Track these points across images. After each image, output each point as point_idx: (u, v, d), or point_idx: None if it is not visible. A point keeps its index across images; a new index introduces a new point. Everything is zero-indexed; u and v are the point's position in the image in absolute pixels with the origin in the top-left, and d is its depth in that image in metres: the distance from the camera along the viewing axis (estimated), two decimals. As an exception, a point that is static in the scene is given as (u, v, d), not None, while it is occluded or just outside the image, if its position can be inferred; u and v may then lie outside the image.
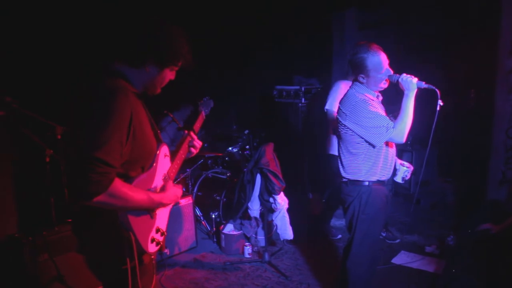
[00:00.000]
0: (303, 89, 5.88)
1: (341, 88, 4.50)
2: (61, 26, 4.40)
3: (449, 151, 5.94)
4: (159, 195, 2.03)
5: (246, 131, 5.65)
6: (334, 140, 4.30)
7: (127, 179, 1.90)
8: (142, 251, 1.97)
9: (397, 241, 4.86)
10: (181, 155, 2.41)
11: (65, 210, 3.87)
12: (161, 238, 2.12)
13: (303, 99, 5.88)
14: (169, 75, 2.10)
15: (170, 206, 2.23)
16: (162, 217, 2.16)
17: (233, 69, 6.33)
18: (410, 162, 3.73)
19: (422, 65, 5.14)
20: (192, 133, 2.51)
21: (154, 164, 2.06)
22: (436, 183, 6.22)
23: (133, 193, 1.86)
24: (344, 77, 4.70)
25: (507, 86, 4.84)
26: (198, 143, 2.51)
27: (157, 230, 2.10)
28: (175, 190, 2.15)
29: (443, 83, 3.00)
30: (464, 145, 5.83)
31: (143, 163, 2.01)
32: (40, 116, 3.86)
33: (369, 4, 6.08)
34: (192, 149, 2.50)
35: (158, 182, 2.10)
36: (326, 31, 6.36)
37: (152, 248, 2.04)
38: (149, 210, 2.02)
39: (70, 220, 3.63)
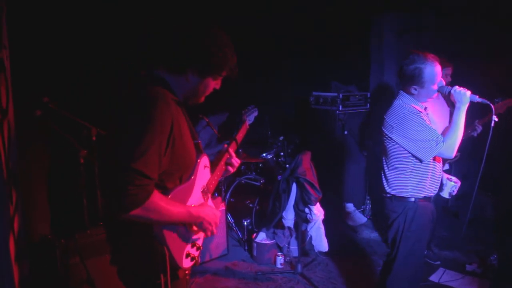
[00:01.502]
0: (340, 95, 5.71)
1: None
2: (105, 30, 4.39)
3: (491, 163, 5.69)
4: (197, 209, 1.93)
5: (281, 138, 5.52)
6: None
7: (164, 190, 1.81)
8: (177, 266, 1.88)
9: (438, 262, 4.61)
10: (222, 166, 2.31)
11: (98, 212, 3.85)
12: (196, 253, 2.03)
13: (340, 106, 5.72)
14: (213, 84, 1.99)
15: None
16: (199, 232, 2.05)
17: (269, 74, 6.22)
18: (450, 174, 3.56)
19: (463, 71, 4.95)
20: (230, 150, 2.36)
21: (193, 177, 1.96)
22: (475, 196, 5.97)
23: (171, 206, 1.78)
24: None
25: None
26: (236, 161, 2.34)
27: (193, 245, 2.00)
28: (215, 210, 2.05)
29: (485, 91, 2.83)
30: (506, 157, 5.57)
31: (181, 174, 1.91)
32: (76, 117, 3.85)
33: (408, 9, 5.88)
34: (230, 168, 2.34)
35: (196, 194, 2.00)
36: (365, 36, 6.20)
37: (186, 263, 1.95)
38: (185, 225, 1.93)
39: (102, 224, 3.66)
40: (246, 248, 4.85)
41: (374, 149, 5.33)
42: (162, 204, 1.73)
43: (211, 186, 2.15)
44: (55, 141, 4.03)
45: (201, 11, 4.61)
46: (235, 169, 2.37)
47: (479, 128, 4.18)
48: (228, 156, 2.33)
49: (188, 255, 1.95)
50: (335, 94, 5.77)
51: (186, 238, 1.95)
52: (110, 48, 4.45)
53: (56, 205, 4.13)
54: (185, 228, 1.93)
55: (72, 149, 3.86)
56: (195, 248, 2.01)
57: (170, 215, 1.77)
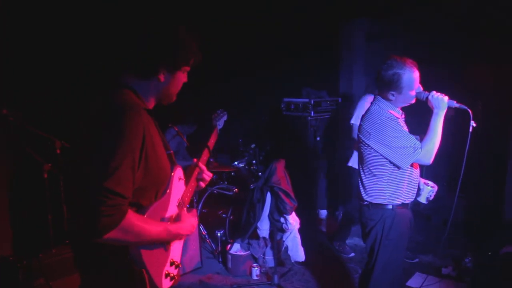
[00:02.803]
0: (312, 101, 5.68)
1: (369, 102, 4.36)
2: (64, 35, 4.23)
3: (460, 165, 5.75)
4: (176, 226, 1.81)
5: (253, 145, 5.44)
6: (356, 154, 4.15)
7: (139, 208, 1.68)
8: (155, 288, 1.74)
9: (416, 260, 4.63)
10: (193, 181, 2.18)
11: (64, 229, 3.67)
12: (175, 271, 1.90)
13: (312, 112, 5.68)
14: (183, 78, 1.89)
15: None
16: (176, 248, 1.93)
17: (239, 80, 6.15)
18: (421, 177, 3.55)
19: (431, 77, 4.99)
20: (200, 164, 2.23)
21: (168, 190, 1.83)
22: (446, 199, 6.02)
23: (149, 226, 1.65)
24: (365, 90, 4.55)
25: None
26: (207, 176, 2.21)
27: (172, 263, 1.87)
28: (192, 220, 1.92)
29: (452, 95, 2.82)
30: (476, 160, 5.65)
31: (156, 189, 1.77)
32: (38, 130, 3.69)
33: (377, 15, 5.93)
34: (201, 183, 2.21)
35: (172, 209, 1.88)
36: (335, 42, 6.20)
37: (166, 283, 1.81)
38: (164, 243, 1.79)
39: (68, 242, 3.48)
40: (220, 260, 4.72)
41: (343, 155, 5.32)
42: (139, 223, 1.60)
43: (186, 198, 2.03)
44: (16, 155, 3.85)
45: (167, 14, 4.51)
46: (206, 183, 2.25)
47: None
48: (198, 170, 2.20)
49: (167, 275, 1.82)
50: (307, 100, 5.73)
51: (165, 256, 1.82)
52: (74, 56, 4.29)
53: (18, 223, 3.92)
54: (163, 245, 1.80)
55: (35, 163, 3.69)
56: (173, 266, 1.88)
57: (148, 236, 1.64)
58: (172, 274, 1.84)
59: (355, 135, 4.36)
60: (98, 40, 3.99)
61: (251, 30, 6.02)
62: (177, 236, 1.83)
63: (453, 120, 4.21)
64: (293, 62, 6.15)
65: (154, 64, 1.75)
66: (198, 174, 2.20)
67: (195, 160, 2.27)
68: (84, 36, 4.31)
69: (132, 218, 1.56)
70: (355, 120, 4.44)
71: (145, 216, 1.66)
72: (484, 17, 5.00)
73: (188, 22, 1.88)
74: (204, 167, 2.23)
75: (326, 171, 5.92)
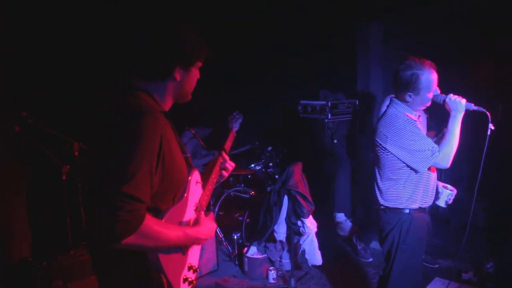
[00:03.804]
0: (329, 104, 5.63)
1: None
2: (86, 41, 4.27)
3: (479, 168, 5.66)
4: (195, 230, 1.81)
5: (269, 148, 5.42)
6: None
7: (157, 213, 1.67)
8: (174, 293, 1.73)
9: (436, 265, 4.56)
10: (213, 179, 2.19)
11: (82, 231, 3.69)
12: (193, 276, 1.89)
13: (329, 115, 5.64)
14: (196, 74, 1.89)
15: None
16: (194, 252, 1.93)
17: (256, 82, 6.14)
18: (440, 180, 3.50)
19: (448, 77, 4.92)
20: (224, 154, 2.28)
21: (186, 194, 1.83)
22: (466, 202, 5.93)
23: (167, 230, 1.64)
24: (386, 92, 4.50)
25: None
26: (230, 165, 2.29)
27: (190, 268, 1.87)
28: (210, 225, 1.92)
29: (470, 96, 2.77)
30: (496, 162, 5.55)
31: (174, 193, 1.77)
32: (56, 131, 3.71)
33: (393, 16, 5.87)
34: (224, 172, 2.27)
35: (190, 213, 1.87)
36: (351, 44, 6.16)
37: (184, 288, 1.80)
38: (182, 247, 1.79)
39: (85, 244, 3.50)
40: (236, 263, 4.71)
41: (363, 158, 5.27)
42: (158, 228, 1.59)
43: (203, 202, 2.03)
44: (35, 157, 3.88)
45: (172, 15, 4.54)
46: (229, 173, 2.31)
47: None
48: (222, 160, 2.26)
49: (185, 279, 1.81)
50: (324, 102, 5.69)
51: (183, 261, 1.82)
52: (92, 60, 4.32)
53: (37, 225, 3.95)
54: (181, 250, 1.80)
55: (53, 165, 3.71)
56: (191, 270, 1.88)
57: (167, 240, 1.64)
58: (190, 279, 1.84)
59: None
60: (114, 44, 4.02)
61: (268, 32, 6.01)
62: (196, 240, 1.82)
63: (473, 122, 4.16)
64: (310, 64, 6.13)
65: (169, 64, 1.75)
66: (221, 164, 2.26)
67: (216, 152, 2.30)
68: (100, 39, 4.35)
69: (150, 223, 1.56)
70: None
71: (163, 220, 1.66)
72: (506, 16, 4.91)
73: (200, 24, 1.88)
74: (227, 157, 2.30)
75: (344, 174, 5.87)
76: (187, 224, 1.83)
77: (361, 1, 5.58)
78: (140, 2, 4.44)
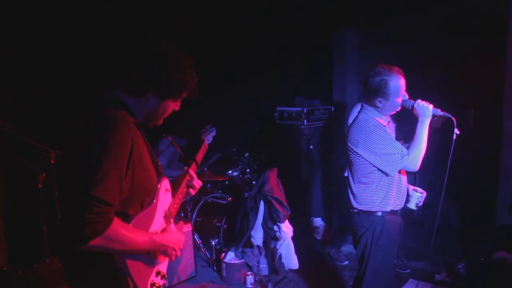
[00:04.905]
0: (305, 110, 5.71)
1: None
2: (63, 50, 4.27)
3: (452, 172, 5.77)
4: (161, 236, 1.85)
5: (246, 154, 5.47)
6: None
7: (125, 218, 1.71)
8: (141, 298, 1.77)
9: (407, 271, 4.66)
10: (183, 189, 2.22)
11: (57, 241, 3.69)
12: (161, 282, 1.93)
13: (305, 121, 5.72)
14: (172, 106, 1.92)
15: None
16: (163, 259, 1.96)
17: (233, 90, 6.19)
18: (414, 185, 3.59)
19: (423, 84, 5.03)
20: (191, 171, 2.28)
21: (155, 201, 1.87)
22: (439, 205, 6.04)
23: (133, 235, 1.68)
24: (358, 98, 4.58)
25: (516, 107, 4.71)
26: (197, 183, 2.28)
27: (158, 273, 1.91)
28: (179, 235, 1.96)
29: (444, 103, 2.87)
30: (468, 166, 5.68)
31: (142, 199, 1.81)
32: (32, 139, 3.71)
33: (369, 24, 5.98)
34: (191, 190, 2.27)
35: (158, 220, 1.91)
36: (327, 51, 6.25)
37: (151, 293, 1.84)
38: (149, 253, 1.83)
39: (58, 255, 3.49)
40: (215, 268, 4.74)
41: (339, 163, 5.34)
42: (124, 232, 1.63)
43: (173, 210, 2.06)
44: (10, 165, 3.86)
45: (162, 32, 4.56)
46: (196, 191, 2.30)
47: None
48: (188, 178, 2.25)
49: (153, 284, 1.85)
50: (299, 108, 5.77)
51: (150, 266, 1.86)
52: (67, 69, 4.32)
53: (13, 233, 3.94)
54: (148, 256, 1.83)
55: (29, 173, 3.71)
56: (159, 276, 1.92)
57: (133, 244, 1.67)
58: (157, 284, 1.88)
59: None
60: (94, 52, 4.03)
61: (244, 40, 6.06)
62: (162, 247, 1.85)
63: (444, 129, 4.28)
64: (286, 71, 6.19)
65: (142, 87, 1.79)
66: (188, 181, 2.25)
67: (185, 167, 2.32)
68: (79, 47, 4.35)
69: (117, 226, 1.59)
70: None
71: (131, 225, 1.70)
72: (476, 22, 5.05)
73: (185, 36, 1.91)
74: (194, 175, 2.28)
75: (320, 179, 5.94)
76: (155, 231, 1.87)
77: (337, 8, 5.67)
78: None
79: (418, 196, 3.21)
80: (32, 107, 4.21)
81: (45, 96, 4.24)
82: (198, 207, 5.02)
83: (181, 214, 4.95)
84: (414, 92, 2.97)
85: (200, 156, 2.58)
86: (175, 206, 2.08)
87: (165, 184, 1.97)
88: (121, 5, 4.51)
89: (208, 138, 2.81)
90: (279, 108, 6.05)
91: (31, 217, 3.88)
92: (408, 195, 3.18)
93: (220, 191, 5.28)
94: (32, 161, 3.75)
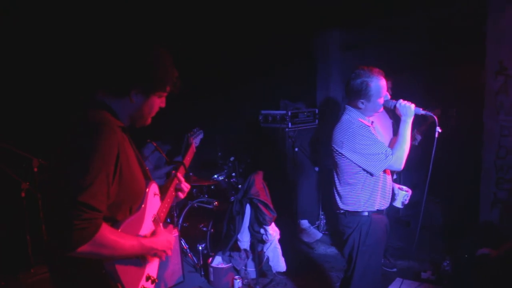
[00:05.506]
0: (289, 113, 5.74)
1: None
2: (43, 54, 4.21)
3: (436, 171, 5.86)
4: (150, 240, 1.83)
5: (232, 158, 5.47)
6: None
7: (114, 223, 1.70)
8: (132, 303, 1.75)
9: (394, 269, 4.71)
10: (172, 192, 2.21)
11: (43, 249, 3.63)
12: (151, 286, 1.91)
13: (289, 124, 5.74)
14: (158, 102, 1.89)
15: None
16: (152, 263, 1.95)
17: (217, 94, 6.19)
18: (399, 183, 3.63)
19: (406, 85, 5.09)
20: (179, 175, 2.27)
21: (143, 206, 1.86)
22: (425, 205, 6.11)
23: (122, 240, 1.66)
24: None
25: (495, 106, 4.80)
26: (186, 186, 2.26)
27: (148, 278, 1.89)
28: (168, 236, 1.94)
29: (427, 103, 2.92)
30: (451, 165, 5.76)
31: (131, 204, 1.80)
32: (15, 147, 3.66)
33: (351, 25, 6.03)
34: (180, 194, 2.24)
35: (148, 224, 1.90)
36: (310, 54, 6.29)
37: (142, 298, 1.83)
38: (139, 257, 1.82)
39: (45, 263, 3.45)
40: (202, 273, 4.71)
41: (325, 165, 5.39)
42: (113, 237, 1.61)
43: (162, 214, 2.05)
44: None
45: (142, 31, 4.53)
46: (185, 195, 2.28)
47: (419, 137, 4.39)
48: (177, 181, 2.24)
49: (143, 289, 1.84)
50: (284, 112, 5.79)
51: (141, 271, 1.84)
52: (51, 72, 4.27)
53: (-3, 244, 3.88)
54: (138, 260, 1.82)
55: (11, 181, 3.66)
56: (150, 281, 1.90)
57: (122, 249, 1.66)
58: (148, 289, 1.87)
59: None
60: (76, 55, 3.99)
61: (228, 44, 6.06)
62: (151, 250, 1.84)
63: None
64: (270, 75, 6.21)
65: (124, 86, 1.77)
66: (177, 185, 2.23)
67: (173, 171, 2.31)
68: (61, 50, 4.30)
69: (106, 232, 1.58)
70: None
71: (119, 230, 1.69)
72: (458, 25, 5.14)
73: (169, 42, 1.90)
74: (182, 178, 2.26)
75: (305, 182, 5.97)
76: (144, 235, 1.86)
77: (321, 10, 5.71)
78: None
79: (403, 194, 3.25)
80: (13, 114, 4.15)
81: (26, 103, 4.18)
82: (184, 212, 5.00)
83: (167, 220, 4.92)
84: (398, 92, 3.01)
85: (188, 159, 2.58)
86: (164, 210, 2.07)
87: (153, 188, 1.96)
88: (99, 7, 4.46)
89: (196, 141, 2.80)
90: (263, 112, 6.07)
91: (14, 226, 3.83)
92: (393, 194, 3.21)
93: (206, 196, 5.26)
94: (15, 170, 3.70)
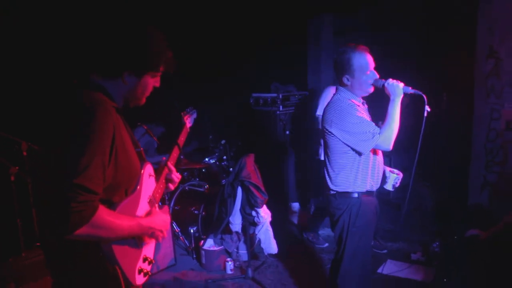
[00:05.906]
0: (280, 96, 5.73)
1: (332, 93, 4.42)
2: (35, 35, 4.14)
3: (426, 154, 5.92)
4: (148, 220, 1.83)
5: (223, 141, 5.45)
6: None
7: (110, 205, 1.69)
8: (129, 284, 1.75)
9: (384, 251, 4.76)
10: (162, 180, 2.18)
11: (34, 233, 3.61)
12: (149, 268, 1.91)
13: (281, 107, 5.73)
14: (152, 82, 1.87)
15: None
16: (149, 244, 1.94)
17: (208, 77, 6.14)
18: (390, 166, 3.65)
19: (399, 70, 5.09)
20: (169, 164, 2.22)
21: (139, 187, 1.85)
22: (414, 187, 6.18)
23: (120, 220, 1.66)
24: (331, 83, 4.62)
25: (485, 90, 4.84)
26: (176, 176, 2.22)
27: (145, 259, 1.89)
28: (164, 216, 1.94)
29: (419, 87, 2.91)
30: (441, 148, 5.81)
31: (126, 186, 1.79)
32: (3, 132, 3.61)
33: (345, 10, 6.01)
34: (170, 185, 2.21)
35: (143, 205, 1.89)
36: (303, 37, 6.27)
37: (139, 279, 1.83)
38: (135, 238, 1.81)
39: (38, 245, 3.43)
40: (194, 256, 4.73)
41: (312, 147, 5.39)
42: (110, 219, 1.60)
43: (157, 195, 2.04)
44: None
45: (135, 13, 4.47)
46: (175, 186, 2.25)
47: None
48: (167, 171, 2.20)
49: (140, 270, 1.83)
50: (275, 94, 5.78)
51: (137, 252, 1.84)
52: (42, 53, 4.20)
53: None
54: (134, 241, 1.81)
55: (0, 166, 3.61)
56: (147, 262, 1.90)
57: (120, 230, 1.65)
58: (145, 270, 1.86)
59: (320, 126, 4.44)
60: (69, 38, 3.92)
61: (219, 27, 6.01)
62: (149, 230, 1.83)
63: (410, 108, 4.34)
64: (262, 57, 6.18)
65: (117, 66, 1.75)
66: (167, 174, 2.21)
67: (164, 158, 2.28)
68: (53, 32, 4.22)
69: (103, 214, 1.57)
70: (320, 111, 4.49)
71: (116, 211, 1.68)
72: (447, 9, 5.15)
73: (160, 24, 1.87)
74: (173, 168, 2.23)
75: (296, 164, 5.98)
76: (141, 216, 1.85)
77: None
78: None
79: (394, 177, 3.25)
80: (1, 97, 4.09)
81: (16, 85, 4.12)
82: (175, 196, 5.00)
83: (159, 203, 4.90)
84: (389, 76, 3.00)
85: (181, 139, 2.56)
86: (159, 191, 2.07)
87: (148, 169, 1.95)
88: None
89: (190, 120, 2.78)
90: (254, 95, 6.05)
91: (4, 211, 3.79)
92: (384, 177, 3.21)
93: (198, 179, 5.26)
94: (4, 154, 3.66)
